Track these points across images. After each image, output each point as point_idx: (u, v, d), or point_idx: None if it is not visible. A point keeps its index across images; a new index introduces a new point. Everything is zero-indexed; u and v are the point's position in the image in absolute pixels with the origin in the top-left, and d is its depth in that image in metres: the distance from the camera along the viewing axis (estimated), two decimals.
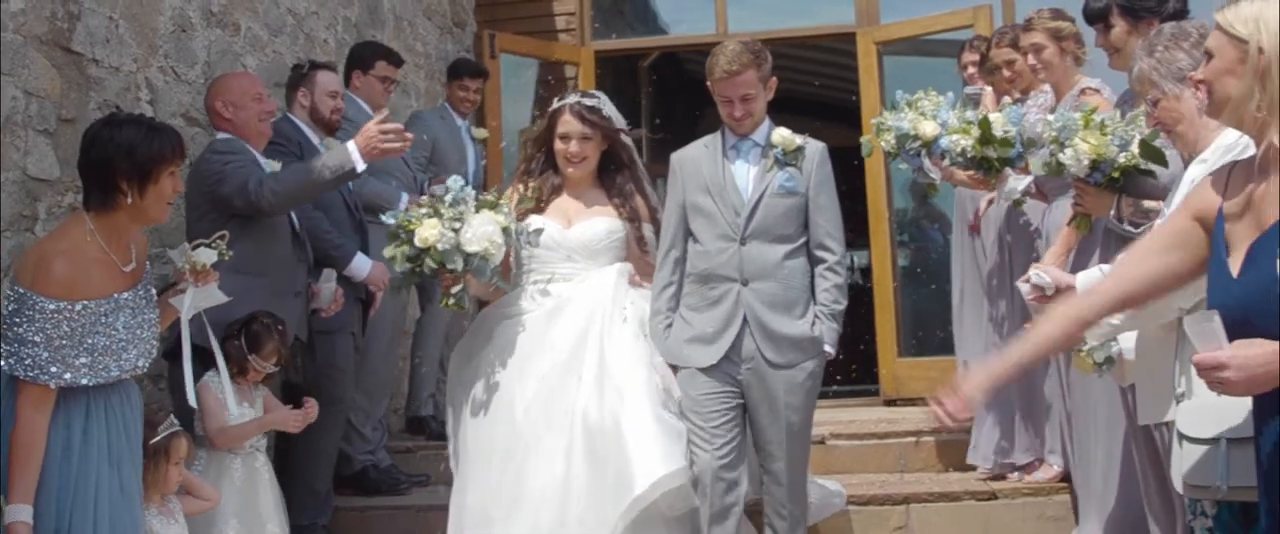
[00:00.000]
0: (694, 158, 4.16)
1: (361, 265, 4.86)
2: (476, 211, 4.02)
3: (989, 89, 5.36)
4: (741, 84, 3.99)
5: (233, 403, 3.88)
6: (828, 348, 4.06)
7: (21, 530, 2.99)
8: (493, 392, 4.07)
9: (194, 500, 3.62)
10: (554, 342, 4.09)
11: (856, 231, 8.55)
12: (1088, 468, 4.30)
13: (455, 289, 4.02)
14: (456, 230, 3.96)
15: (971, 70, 5.68)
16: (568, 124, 4.24)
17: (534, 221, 4.22)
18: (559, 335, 4.09)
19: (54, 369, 3.08)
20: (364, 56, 5.68)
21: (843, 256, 4.11)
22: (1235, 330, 2.25)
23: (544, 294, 4.22)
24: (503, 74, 7.77)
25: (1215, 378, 2.24)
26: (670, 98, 10.45)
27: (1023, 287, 3.18)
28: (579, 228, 4.27)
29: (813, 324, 4.04)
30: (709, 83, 4.08)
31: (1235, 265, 2.31)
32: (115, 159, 3.19)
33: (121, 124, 3.31)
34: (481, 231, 3.95)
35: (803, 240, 4.08)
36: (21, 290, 3.10)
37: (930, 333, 7.04)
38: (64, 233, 3.24)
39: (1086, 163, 3.60)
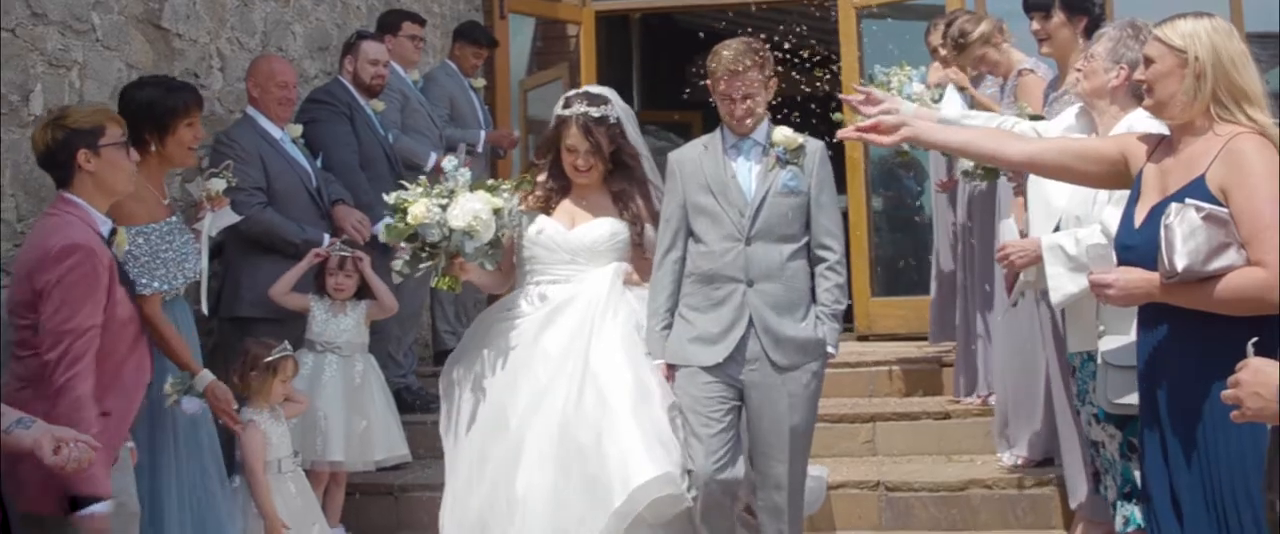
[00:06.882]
0: (694, 158, 4.07)
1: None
2: (471, 192, 4.05)
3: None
4: (745, 83, 3.93)
5: (320, 309, 4.72)
6: (830, 348, 4.02)
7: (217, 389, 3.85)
8: (487, 400, 4.09)
9: (292, 405, 4.35)
10: (546, 348, 4.06)
11: (836, 178, 9.08)
12: (1005, 397, 5.12)
13: (439, 267, 4.04)
14: (443, 207, 4.00)
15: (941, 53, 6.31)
16: (574, 138, 4.16)
17: (537, 221, 4.22)
18: (551, 341, 4.07)
19: (144, 281, 3.67)
20: (391, 22, 6.34)
21: (842, 256, 4.07)
22: (1127, 264, 2.97)
23: (542, 298, 4.18)
24: (510, 31, 8.38)
25: (1103, 294, 2.99)
26: (659, 47, 11.13)
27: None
28: (582, 230, 4.20)
29: (815, 326, 3.99)
30: (710, 81, 4.01)
31: (1140, 216, 3.00)
32: (137, 115, 3.76)
33: (144, 85, 3.88)
34: (468, 208, 3.97)
35: (805, 240, 4.01)
36: None
37: (901, 274, 7.58)
38: None
39: None
